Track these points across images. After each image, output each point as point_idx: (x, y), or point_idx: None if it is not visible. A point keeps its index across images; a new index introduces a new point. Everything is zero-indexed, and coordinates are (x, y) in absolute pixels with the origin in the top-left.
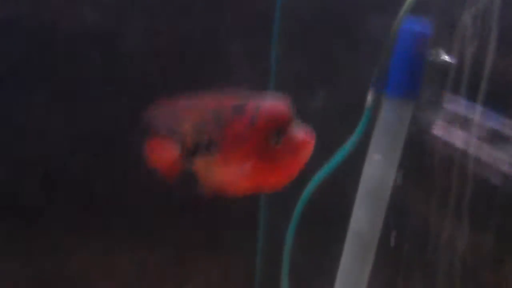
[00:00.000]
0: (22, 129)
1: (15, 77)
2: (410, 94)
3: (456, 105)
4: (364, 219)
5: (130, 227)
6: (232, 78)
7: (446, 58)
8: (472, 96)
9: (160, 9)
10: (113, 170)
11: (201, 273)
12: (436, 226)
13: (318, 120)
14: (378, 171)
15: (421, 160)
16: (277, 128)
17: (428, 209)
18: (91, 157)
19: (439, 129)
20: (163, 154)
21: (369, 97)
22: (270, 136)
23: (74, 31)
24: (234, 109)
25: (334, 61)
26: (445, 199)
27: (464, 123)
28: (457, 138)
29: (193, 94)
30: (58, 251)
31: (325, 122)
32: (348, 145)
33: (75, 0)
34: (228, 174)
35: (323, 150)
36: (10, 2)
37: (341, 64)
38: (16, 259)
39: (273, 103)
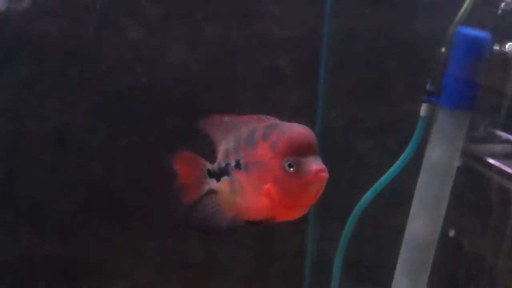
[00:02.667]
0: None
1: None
2: (466, 105)
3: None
4: (420, 231)
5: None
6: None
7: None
8: None
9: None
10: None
11: None
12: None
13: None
14: (433, 188)
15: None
16: (293, 156)
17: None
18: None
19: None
20: (190, 168)
21: (423, 107)
22: (285, 163)
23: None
24: (263, 133)
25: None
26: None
27: None
28: None
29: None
30: None
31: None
32: (403, 157)
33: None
34: (247, 197)
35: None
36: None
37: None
38: None
39: (295, 133)
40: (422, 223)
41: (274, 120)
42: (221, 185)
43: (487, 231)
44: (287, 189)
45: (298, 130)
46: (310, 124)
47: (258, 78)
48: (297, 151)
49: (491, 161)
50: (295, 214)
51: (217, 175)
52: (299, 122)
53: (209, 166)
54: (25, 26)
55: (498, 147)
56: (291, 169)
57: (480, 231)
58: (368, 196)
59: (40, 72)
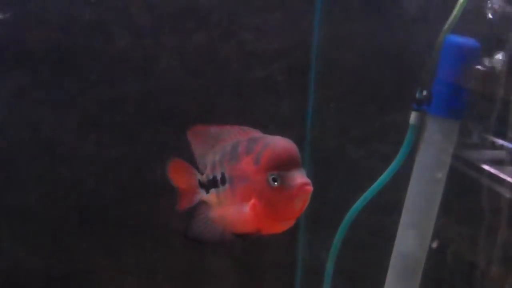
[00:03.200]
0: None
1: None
2: (455, 113)
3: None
4: (410, 241)
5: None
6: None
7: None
8: None
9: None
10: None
11: None
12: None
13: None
14: (424, 194)
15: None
16: (276, 170)
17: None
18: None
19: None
20: (182, 177)
21: (413, 116)
22: (269, 177)
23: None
24: (247, 146)
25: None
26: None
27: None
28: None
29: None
30: None
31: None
32: (393, 165)
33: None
34: (233, 212)
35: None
36: None
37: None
38: None
39: (278, 146)
40: (413, 231)
41: (257, 133)
42: (210, 197)
43: (479, 237)
44: (272, 203)
45: (281, 144)
46: (301, 133)
47: (247, 88)
48: (281, 165)
49: (485, 167)
50: (281, 227)
51: (206, 186)
52: (290, 132)
53: (199, 176)
54: (16, 35)
55: (492, 153)
56: (275, 183)
57: (472, 238)
58: (358, 204)
59: (31, 81)
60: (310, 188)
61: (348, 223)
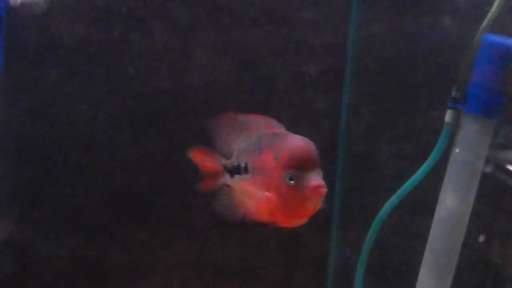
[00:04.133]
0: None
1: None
2: (491, 112)
3: None
4: (442, 241)
5: None
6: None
7: None
8: None
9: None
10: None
11: None
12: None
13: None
14: (458, 194)
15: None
16: (294, 170)
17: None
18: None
19: None
20: (206, 160)
21: (448, 114)
22: (286, 175)
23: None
24: (270, 141)
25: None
26: None
27: None
28: None
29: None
30: None
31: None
32: (427, 164)
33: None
34: (253, 200)
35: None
36: None
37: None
38: None
39: (299, 147)
40: (445, 229)
41: (281, 128)
42: (234, 183)
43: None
44: (286, 200)
45: (300, 144)
46: (335, 129)
47: (284, 84)
48: (298, 165)
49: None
50: (294, 223)
51: (231, 172)
52: (325, 127)
53: (224, 161)
54: (52, 28)
55: None
56: (292, 182)
57: (505, 239)
58: (391, 202)
59: (67, 74)
60: (324, 190)
61: (380, 221)
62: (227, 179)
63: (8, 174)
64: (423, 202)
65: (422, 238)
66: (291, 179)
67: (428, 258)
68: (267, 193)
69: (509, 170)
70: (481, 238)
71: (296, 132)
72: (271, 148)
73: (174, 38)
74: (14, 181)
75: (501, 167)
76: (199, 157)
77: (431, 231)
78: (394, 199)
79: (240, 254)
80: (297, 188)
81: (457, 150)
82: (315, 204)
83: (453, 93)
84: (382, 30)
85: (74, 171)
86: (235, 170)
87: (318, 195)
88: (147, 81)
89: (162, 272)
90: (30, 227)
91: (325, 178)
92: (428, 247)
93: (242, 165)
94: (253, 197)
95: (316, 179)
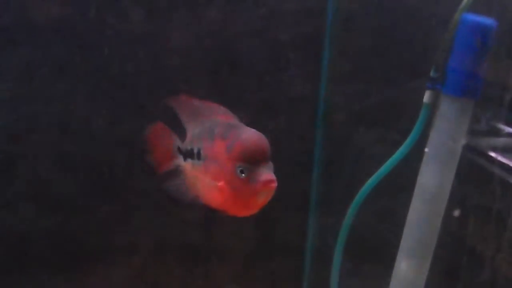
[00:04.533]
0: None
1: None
2: (470, 93)
3: None
4: (421, 222)
5: None
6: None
7: None
8: None
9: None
10: None
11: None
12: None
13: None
14: (436, 175)
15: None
16: (245, 163)
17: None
18: None
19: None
20: (162, 141)
21: (427, 94)
22: (237, 168)
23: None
24: (223, 131)
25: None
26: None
27: None
28: None
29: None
30: None
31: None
32: (405, 145)
33: None
34: (204, 186)
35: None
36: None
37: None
38: None
39: (251, 141)
40: (424, 210)
41: (234, 119)
42: (186, 165)
43: (488, 224)
44: (237, 192)
45: (253, 138)
46: (313, 109)
47: (260, 64)
48: (250, 159)
49: (493, 154)
50: (244, 213)
51: (184, 154)
52: (303, 107)
53: (179, 143)
54: (27, 10)
55: (500, 141)
56: (242, 175)
57: (481, 225)
58: (369, 183)
59: (43, 56)
60: (274, 185)
61: (358, 204)
62: (180, 161)
63: None
64: (402, 184)
65: (400, 220)
66: (242, 172)
67: (406, 239)
68: (218, 183)
69: (490, 156)
70: (456, 213)
71: (274, 115)
72: (224, 138)
73: (150, 19)
74: None
75: (482, 154)
76: (154, 137)
77: (410, 213)
78: (372, 181)
79: (214, 237)
80: (248, 182)
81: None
82: (265, 198)
83: (432, 74)
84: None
85: (49, 151)
86: (188, 154)
87: (268, 189)
88: (122, 62)
89: (132, 249)
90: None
91: (275, 172)
92: (406, 228)
93: (195, 150)
94: (204, 183)
95: (267, 173)
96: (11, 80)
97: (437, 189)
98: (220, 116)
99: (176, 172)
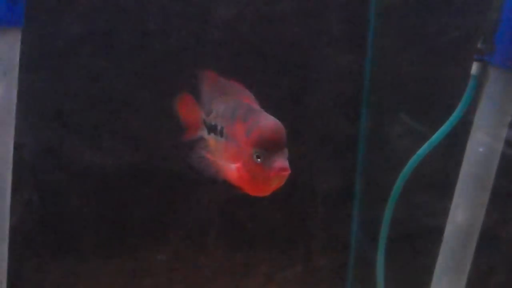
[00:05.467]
0: None
1: None
2: None
3: None
4: (465, 206)
5: None
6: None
7: None
8: None
9: None
10: None
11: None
12: None
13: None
14: (483, 152)
15: None
16: (261, 149)
17: None
18: None
19: None
20: (189, 110)
21: (475, 66)
22: (254, 153)
23: None
24: (244, 113)
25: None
26: None
27: None
28: None
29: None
30: None
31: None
32: (452, 119)
33: None
34: (224, 163)
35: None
36: None
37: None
38: None
39: (268, 128)
40: (466, 204)
41: (256, 106)
42: (210, 139)
43: None
44: (251, 175)
45: (270, 126)
46: (358, 89)
47: (305, 41)
48: (266, 145)
49: None
50: (258, 194)
51: (208, 128)
52: (347, 87)
53: (204, 116)
54: None
55: None
56: (258, 159)
57: None
58: (413, 160)
59: (87, 32)
60: (286, 173)
61: (404, 178)
62: (205, 133)
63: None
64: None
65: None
66: (258, 157)
67: (448, 232)
68: (236, 163)
69: None
70: None
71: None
72: (244, 121)
73: None
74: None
75: None
76: (183, 107)
77: (450, 215)
78: (416, 157)
79: (257, 227)
80: (262, 167)
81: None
82: (277, 184)
83: (479, 45)
84: None
85: (94, 128)
86: (211, 129)
87: (281, 176)
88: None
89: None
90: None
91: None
92: (449, 219)
93: (219, 127)
94: (224, 160)
95: (281, 161)
96: (55, 55)
97: (483, 171)
98: (244, 98)
99: (201, 143)
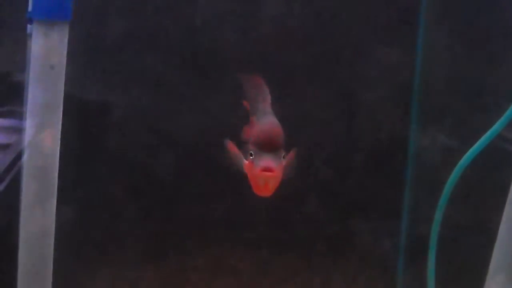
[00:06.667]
0: None
1: None
2: None
3: None
4: None
5: None
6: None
7: None
8: None
9: None
10: None
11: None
12: None
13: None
14: None
15: None
16: (255, 149)
17: None
18: None
19: None
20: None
21: None
22: (251, 151)
23: None
24: (259, 115)
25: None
26: None
27: None
28: None
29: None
30: None
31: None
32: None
33: None
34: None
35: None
36: None
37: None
38: None
39: (264, 129)
40: None
41: (268, 109)
42: None
43: None
44: (247, 173)
45: (266, 127)
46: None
47: (356, 34)
48: (258, 145)
49: None
50: (257, 193)
51: None
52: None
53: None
54: None
55: None
56: (251, 158)
57: None
58: (466, 158)
59: (134, 26)
60: (268, 174)
61: (457, 176)
62: None
63: None
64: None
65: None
66: (251, 155)
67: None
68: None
69: None
70: None
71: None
72: (255, 122)
73: None
74: None
75: None
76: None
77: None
78: (468, 155)
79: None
80: (252, 165)
81: None
82: (265, 184)
83: None
84: None
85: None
86: None
87: (264, 176)
88: (213, 33)
89: None
90: None
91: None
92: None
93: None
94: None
95: (267, 161)
96: (100, 50)
97: None
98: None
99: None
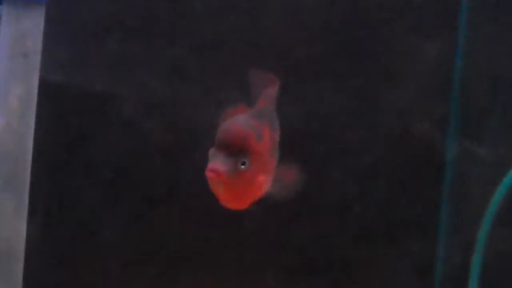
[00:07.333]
0: None
1: None
2: None
3: None
4: None
5: None
6: None
7: None
8: None
9: None
10: None
11: None
12: None
13: None
14: None
15: None
16: (214, 147)
17: None
18: None
19: None
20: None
21: None
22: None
23: None
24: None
25: None
26: None
27: None
28: None
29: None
30: None
31: None
32: None
33: None
34: None
35: None
36: None
37: None
38: None
39: (225, 128)
40: None
41: (265, 109)
42: None
43: None
44: None
45: (228, 126)
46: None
47: (391, 27)
48: (216, 144)
49: None
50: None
51: None
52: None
53: None
54: None
55: None
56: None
57: None
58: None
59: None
60: (212, 175)
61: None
62: None
63: None
64: None
65: None
66: (209, 154)
67: None
68: None
69: None
70: None
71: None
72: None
73: None
74: None
75: None
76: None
77: None
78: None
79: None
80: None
81: None
82: (217, 189)
83: None
84: None
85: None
86: None
87: (210, 177)
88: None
89: None
90: None
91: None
92: None
93: None
94: None
95: (216, 161)
96: (118, 41)
97: None
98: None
99: None
